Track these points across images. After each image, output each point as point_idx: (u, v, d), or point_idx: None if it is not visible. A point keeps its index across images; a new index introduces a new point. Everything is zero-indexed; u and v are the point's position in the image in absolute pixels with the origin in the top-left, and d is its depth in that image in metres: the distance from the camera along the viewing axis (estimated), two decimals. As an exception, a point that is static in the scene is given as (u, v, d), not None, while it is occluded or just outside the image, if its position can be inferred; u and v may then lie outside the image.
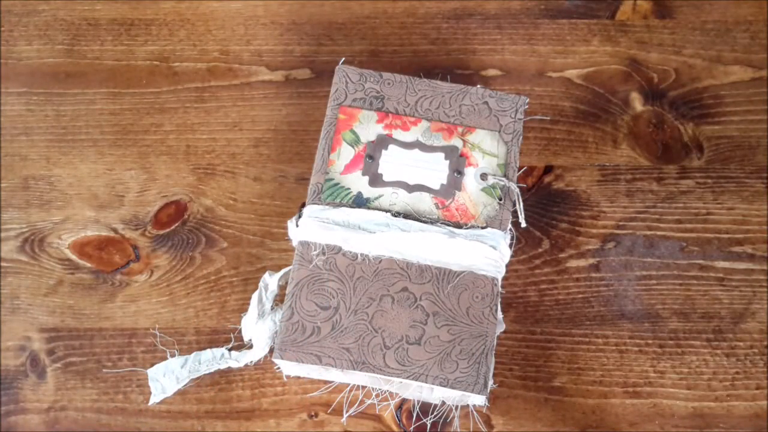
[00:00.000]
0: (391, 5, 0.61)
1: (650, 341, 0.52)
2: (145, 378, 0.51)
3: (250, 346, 0.50)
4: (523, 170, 0.56)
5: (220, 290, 0.53)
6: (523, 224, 0.49)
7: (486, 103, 0.51)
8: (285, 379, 0.51)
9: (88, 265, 0.54)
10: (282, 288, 0.50)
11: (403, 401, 0.50)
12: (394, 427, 0.50)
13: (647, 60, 0.59)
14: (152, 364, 0.50)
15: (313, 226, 0.47)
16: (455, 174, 0.49)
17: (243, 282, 0.53)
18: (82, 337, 0.52)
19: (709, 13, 0.61)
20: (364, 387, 0.49)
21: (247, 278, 0.53)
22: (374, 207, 0.48)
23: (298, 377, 0.50)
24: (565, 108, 0.58)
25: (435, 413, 0.49)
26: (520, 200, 0.48)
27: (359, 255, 0.47)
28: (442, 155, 0.49)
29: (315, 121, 0.57)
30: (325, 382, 0.50)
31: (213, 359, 0.50)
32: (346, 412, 0.49)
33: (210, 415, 0.50)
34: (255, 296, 0.49)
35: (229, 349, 0.51)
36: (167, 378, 0.49)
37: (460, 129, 0.50)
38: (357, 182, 0.48)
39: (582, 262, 0.54)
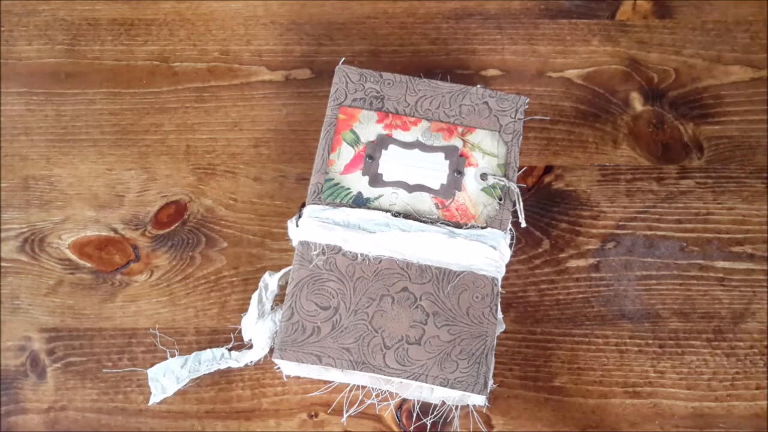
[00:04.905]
0: (391, 5, 0.61)
1: (650, 341, 0.52)
2: (145, 378, 0.51)
3: (250, 346, 0.50)
4: (523, 170, 0.56)
5: (220, 290, 0.53)
6: (523, 224, 0.49)
7: (486, 103, 0.51)
8: (285, 379, 0.51)
9: (88, 265, 0.54)
10: (282, 288, 0.50)
11: (403, 401, 0.50)
12: (394, 427, 0.50)
13: (647, 60, 0.59)
14: (152, 364, 0.50)
15: (313, 226, 0.47)
16: (455, 174, 0.49)
17: (243, 282, 0.53)
18: (82, 337, 0.52)
19: (709, 13, 0.61)
20: (364, 387, 0.49)
21: (247, 278, 0.53)
22: (374, 207, 0.48)
23: (298, 377, 0.50)
24: (565, 108, 0.58)
25: (435, 413, 0.49)
26: (520, 200, 0.48)
27: (359, 255, 0.47)
28: (442, 155, 0.49)
29: (315, 121, 0.57)
30: (325, 382, 0.50)
31: (213, 359, 0.50)
32: (346, 412, 0.49)
33: (210, 415, 0.50)
34: (255, 296, 0.49)
35: (229, 349, 0.51)
36: (167, 378, 0.49)
37: (460, 129, 0.50)
38: (357, 182, 0.48)
39: (582, 262, 0.54)
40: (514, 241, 0.51)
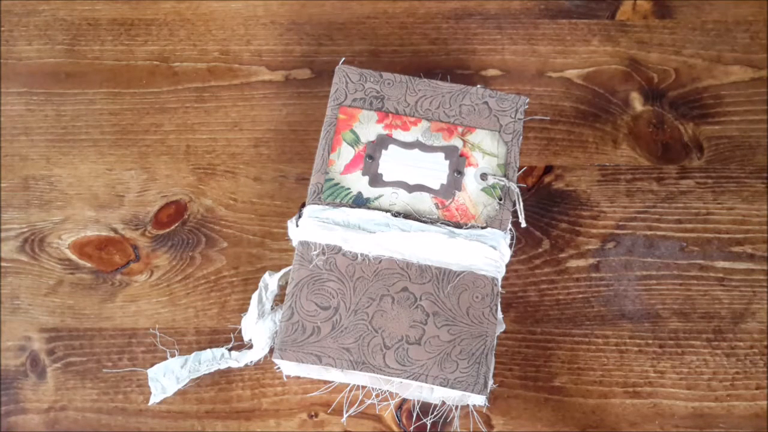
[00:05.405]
0: (391, 5, 0.61)
1: (650, 341, 0.52)
2: (145, 378, 0.51)
3: (250, 346, 0.50)
4: (523, 170, 0.56)
5: (220, 290, 0.53)
6: (523, 224, 0.49)
7: (486, 103, 0.51)
8: (285, 379, 0.51)
9: (88, 265, 0.54)
10: (282, 288, 0.50)
11: (403, 401, 0.50)
12: (394, 427, 0.50)
13: (647, 60, 0.59)
14: (152, 364, 0.50)
15: (313, 226, 0.47)
16: (455, 174, 0.49)
17: (243, 282, 0.53)
18: (82, 337, 0.52)
19: (709, 13, 0.61)
20: (364, 387, 0.49)
21: (247, 278, 0.53)
22: (374, 207, 0.48)
23: (298, 377, 0.50)
24: (565, 108, 0.58)
25: (435, 413, 0.49)
26: (520, 200, 0.48)
27: (359, 255, 0.47)
28: (442, 155, 0.49)
29: (315, 121, 0.57)
30: (325, 382, 0.50)
31: (213, 359, 0.50)
32: (346, 412, 0.49)
33: (210, 415, 0.50)
34: (255, 296, 0.49)
35: (229, 349, 0.51)
36: (167, 378, 0.49)
37: (460, 129, 0.50)
38: (357, 182, 0.48)
39: (582, 262, 0.54)
40: (514, 241, 0.51)
